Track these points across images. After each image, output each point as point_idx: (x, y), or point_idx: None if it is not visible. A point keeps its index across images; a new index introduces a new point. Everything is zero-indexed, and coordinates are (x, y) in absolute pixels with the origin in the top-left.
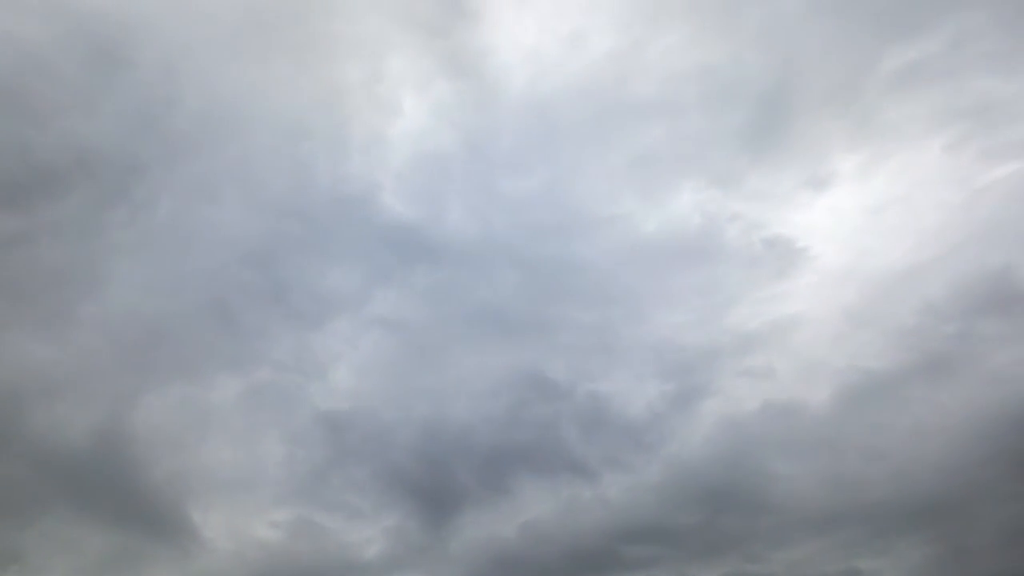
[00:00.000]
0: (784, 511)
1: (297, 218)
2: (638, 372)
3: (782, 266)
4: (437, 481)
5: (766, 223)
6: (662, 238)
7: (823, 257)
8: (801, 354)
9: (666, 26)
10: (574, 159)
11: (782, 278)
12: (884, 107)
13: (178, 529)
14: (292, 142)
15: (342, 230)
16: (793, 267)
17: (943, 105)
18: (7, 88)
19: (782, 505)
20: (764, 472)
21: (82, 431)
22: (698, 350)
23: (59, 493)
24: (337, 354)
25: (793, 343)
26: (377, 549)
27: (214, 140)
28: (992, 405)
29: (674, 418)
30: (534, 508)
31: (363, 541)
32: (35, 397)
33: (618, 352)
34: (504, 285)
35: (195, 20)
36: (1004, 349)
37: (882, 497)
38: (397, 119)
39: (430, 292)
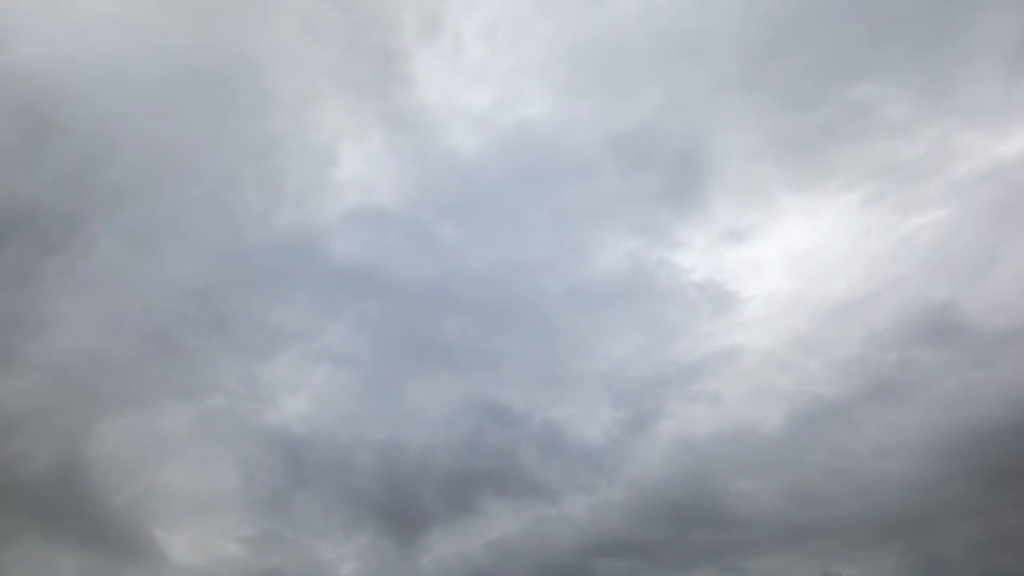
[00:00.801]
0: (753, 524)
1: (234, 260)
2: (590, 401)
3: (716, 305)
4: (401, 502)
5: (693, 268)
6: (595, 282)
7: (759, 296)
8: (748, 381)
9: (583, 95)
10: (505, 211)
11: (718, 315)
12: (798, 167)
13: (145, 550)
14: (226, 191)
15: (284, 270)
16: (727, 306)
17: (855, 165)
18: None
19: (751, 519)
20: (726, 489)
21: (43, 463)
22: (645, 380)
23: (28, 521)
24: (290, 383)
25: (738, 371)
26: (351, 567)
27: (150, 191)
28: (948, 427)
29: (630, 442)
30: (501, 526)
31: (337, 558)
32: None
33: (568, 383)
34: (449, 323)
35: (128, 81)
36: (947, 377)
37: (851, 511)
38: (333, 168)
39: (380, 327)
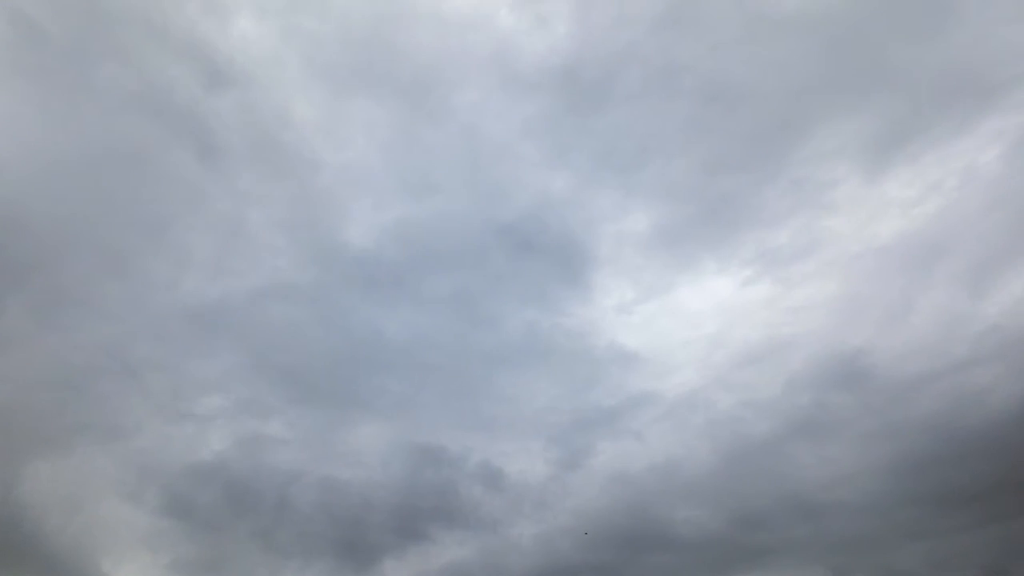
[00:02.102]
0: (706, 547)
1: (146, 320)
2: (521, 443)
3: (620, 362)
4: (350, 532)
5: (589, 332)
6: (498, 345)
7: (660, 353)
8: (665, 422)
9: (456, 191)
10: (403, 289)
11: (624, 370)
12: (677, 252)
13: None
14: (128, 263)
15: (199, 332)
16: (631, 362)
17: (730, 253)
18: None
19: (703, 542)
20: (671, 517)
21: None
22: (570, 423)
23: None
24: (216, 425)
25: (654, 414)
26: None
27: (55, 264)
28: (882, 458)
29: (567, 477)
30: (454, 552)
31: None
32: None
33: (497, 428)
34: (369, 381)
35: (36, 161)
36: (865, 417)
37: (804, 533)
38: (238, 240)
39: (299, 382)
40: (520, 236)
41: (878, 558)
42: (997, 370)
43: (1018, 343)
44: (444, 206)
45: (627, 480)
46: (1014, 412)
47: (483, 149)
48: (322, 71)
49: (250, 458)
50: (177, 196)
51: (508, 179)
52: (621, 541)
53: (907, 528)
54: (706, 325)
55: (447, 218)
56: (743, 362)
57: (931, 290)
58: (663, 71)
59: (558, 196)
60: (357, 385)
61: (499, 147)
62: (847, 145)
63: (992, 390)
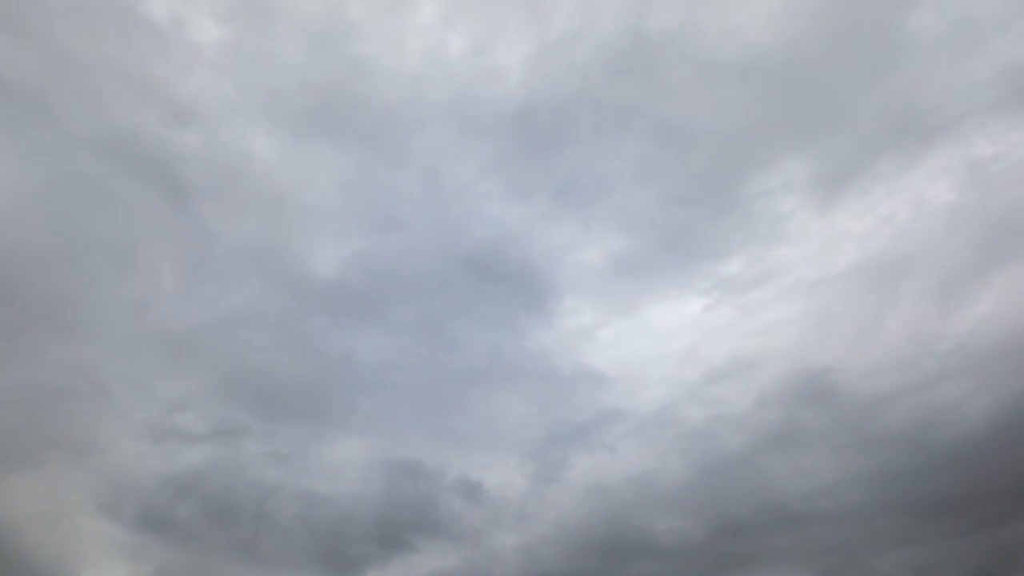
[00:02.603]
0: (688, 555)
1: (110, 345)
2: (497, 457)
3: (588, 382)
4: (331, 544)
5: (554, 354)
6: (465, 367)
7: (625, 373)
8: (637, 437)
9: (417, 226)
10: (370, 315)
11: (592, 389)
12: (634, 282)
13: None
14: (96, 290)
15: (171, 357)
16: (598, 382)
17: (687, 282)
18: None
19: (685, 550)
20: (653, 528)
21: None
22: (544, 438)
23: None
24: (189, 442)
25: (624, 430)
26: None
27: (24, 290)
28: (859, 469)
29: (545, 489)
30: (437, 562)
31: None
32: None
33: (472, 444)
34: (342, 399)
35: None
36: (836, 431)
37: (787, 542)
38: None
39: (270, 403)
40: (482, 266)
41: (863, 564)
42: (966, 386)
43: (984, 360)
44: (406, 240)
45: (605, 492)
46: (985, 425)
47: (442, 188)
48: (283, 117)
49: (226, 473)
50: (144, 229)
51: (468, 215)
52: (604, 550)
53: (891, 535)
54: (670, 346)
55: (410, 250)
56: (710, 380)
57: (893, 313)
58: (616, 114)
59: (517, 229)
60: (330, 405)
61: (458, 186)
62: (795, 182)
63: (962, 405)
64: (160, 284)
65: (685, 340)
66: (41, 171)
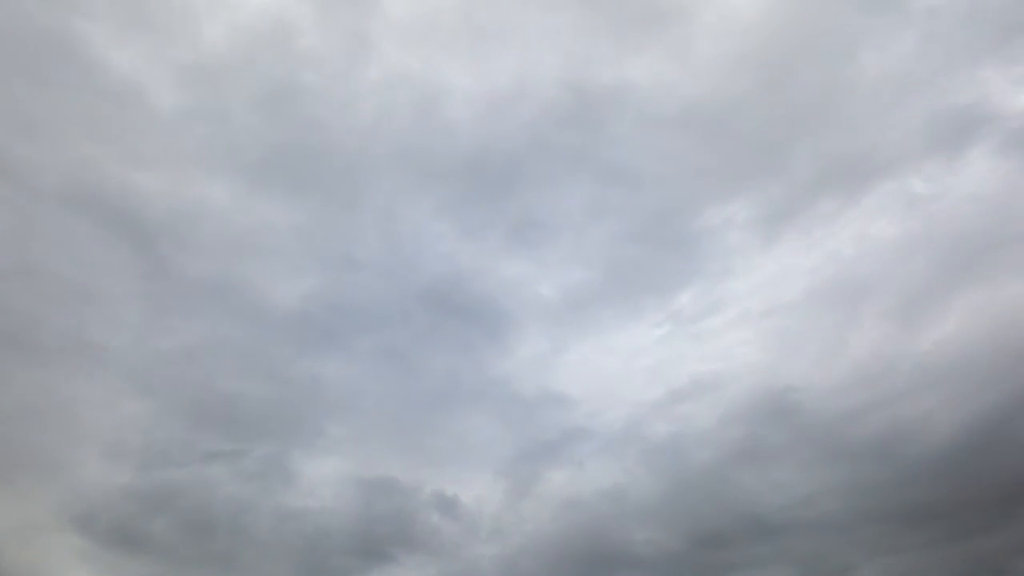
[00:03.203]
0: (670, 565)
1: (75, 369)
2: (471, 474)
3: (552, 403)
4: (310, 557)
5: (514, 378)
6: (431, 395)
7: (590, 393)
8: (603, 454)
9: (375, 265)
10: (333, 345)
11: (556, 410)
12: (587, 313)
13: None
14: (56, 319)
15: (134, 380)
16: (562, 403)
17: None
18: None
19: (666, 560)
20: (631, 539)
21: None
22: (514, 456)
23: None
24: (162, 459)
25: (590, 448)
26: None
27: None
28: (834, 481)
29: (520, 504)
30: (418, 573)
31: None
32: None
33: (444, 463)
34: (313, 422)
35: None
36: (799, 448)
37: (767, 551)
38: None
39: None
40: (440, 299)
41: (846, 571)
42: (930, 402)
43: (947, 377)
44: (364, 277)
45: (580, 505)
46: (953, 439)
47: (396, 230)
48: (239, 167)
49: (198, 490)
50: (108, 267)
51: (422, 254)
52: (584, 560)
53: (873, 543)
54: (630, 369)
55: (367, 286)
56: (672, 400)
57: (853, 335)
58: (564, 159)
59: (472, 265)
60: (300, 427)
61: (413, 228)
62: (738, 221)
63: (928, 420)
64: (124, 315)
65: (643, 364)
66: (8, 217)
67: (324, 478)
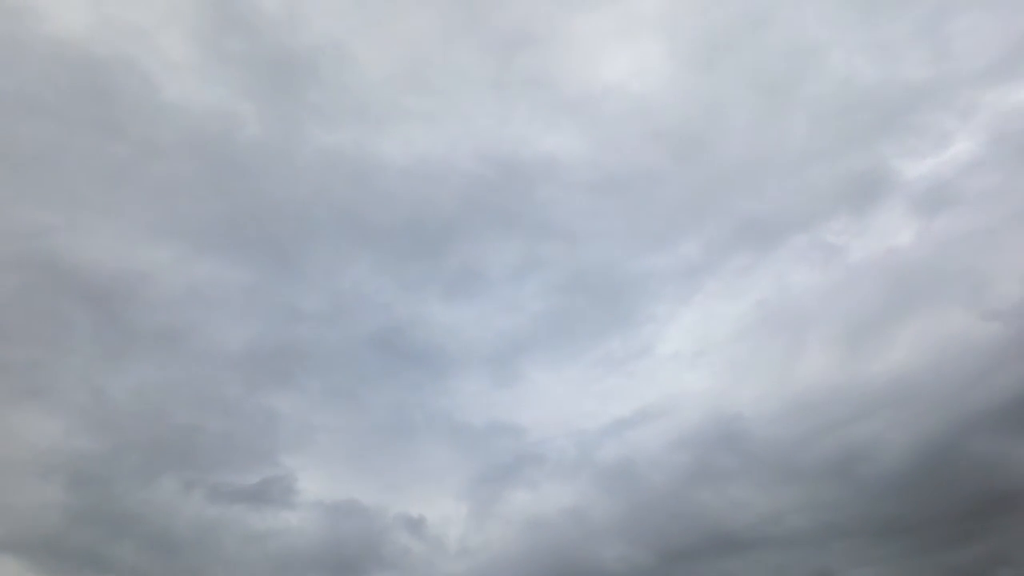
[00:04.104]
0: None
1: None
2: (433, 498)
3: (499, 433)
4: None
5: (462, 411)
6: (383, 427)
7: (537, 422)
8: (559, 477)
9: (319, 317)
10: (282, 391)
11: (507, 439)
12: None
13: None
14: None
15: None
16: (511, 432)
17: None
18: None
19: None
20: (603, 555)
21: None
22: (472, 479)
23: None
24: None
25: (546, 471)
26: None
27: None
28: (799, 499)
29: (485, 524)
30: None
31: None
32: None
33: (405, 487)
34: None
35: None
36: (750, 472)
37: (735, 566)
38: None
39: None
40: (383, 344)
41: None
42: (879, 425)
43: (896, 402)
44: (310, 326)
45: (544, 524)
46: (907, 459)
47: (339, 287)
48: (180, 233)
49: (160, 514)
50: (57, 321)
51: (365, 307)
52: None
53: (848, 556)
54: (572, 402)
55: (314, 333)
56: (617, 428)
57: (799, 364)
58: (497, 220)
59: (413, 316)
60: (256, 460)
61: (354, 284)
62: (658, 274)
63: (879, 442)
64: (75, 361)
65: (585, 398)
66: None
67: (287, 502)
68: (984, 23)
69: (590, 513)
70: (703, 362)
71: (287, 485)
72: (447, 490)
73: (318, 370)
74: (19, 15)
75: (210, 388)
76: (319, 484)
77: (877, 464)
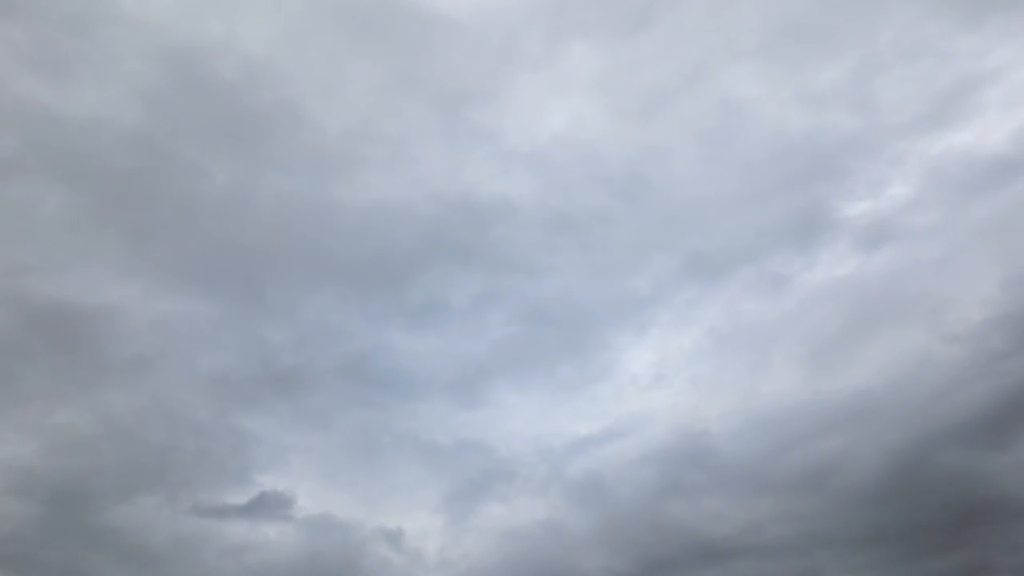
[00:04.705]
0: None
1: None
2: (408, 511)
3: (467, 451)
4: None
5: (430, 432)
6: (358, 446)
7: (506, 443)
8: (528, 492)
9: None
10: (259, 413)
11: (475, 456)
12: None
13: None
14: None
15: None
16: (477, 451)
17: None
18: None
19: None
20: (583, 566)
21: None
22: (446, 494)
23: None
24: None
25: (516, 487)
26: None
27: None
28: (772, 510)
29: (462, 537)
30: None
31: None
32: None
33: (381, 503)
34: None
35: None
36: (719, 487)
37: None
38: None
39: None
40: (350, 371)
41: None
42: (848, 440)
43: (861, 415)
44: (276, 354)
45: (521, 536)
46: (877, 471)
47: (304, 318)
48: (155, 269)
49: (136, 531)
50: (25, 354)
51: (331, 336)
52: None
53: (832, 563)
54: (536, 422)
55: (280, 361)
56: (583, 445)
57: (765, 383)
58: (456, 256)
59: (377, 345)
60: (230, 479)
61: (318, 315)
62: (610, 307)
63: (848, 456)
64: (44, 389)
65: (548, 418)
66: None
67: (268, 515)
68: (908, 76)
69: (565, 525)
70: (664, 383)
71: (262, 500)
72: (422, 504)
73: (288, 395)
74: None
75: (182, 411)
76: (296, 500)
77: (849, 476)
